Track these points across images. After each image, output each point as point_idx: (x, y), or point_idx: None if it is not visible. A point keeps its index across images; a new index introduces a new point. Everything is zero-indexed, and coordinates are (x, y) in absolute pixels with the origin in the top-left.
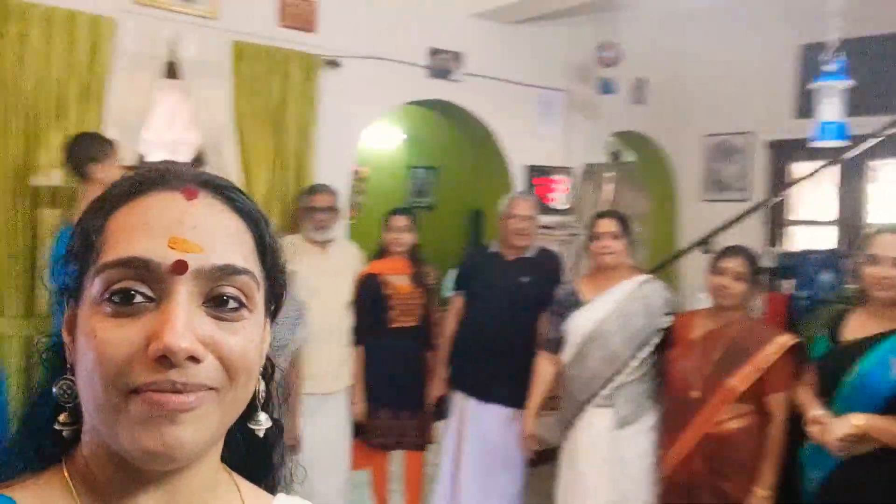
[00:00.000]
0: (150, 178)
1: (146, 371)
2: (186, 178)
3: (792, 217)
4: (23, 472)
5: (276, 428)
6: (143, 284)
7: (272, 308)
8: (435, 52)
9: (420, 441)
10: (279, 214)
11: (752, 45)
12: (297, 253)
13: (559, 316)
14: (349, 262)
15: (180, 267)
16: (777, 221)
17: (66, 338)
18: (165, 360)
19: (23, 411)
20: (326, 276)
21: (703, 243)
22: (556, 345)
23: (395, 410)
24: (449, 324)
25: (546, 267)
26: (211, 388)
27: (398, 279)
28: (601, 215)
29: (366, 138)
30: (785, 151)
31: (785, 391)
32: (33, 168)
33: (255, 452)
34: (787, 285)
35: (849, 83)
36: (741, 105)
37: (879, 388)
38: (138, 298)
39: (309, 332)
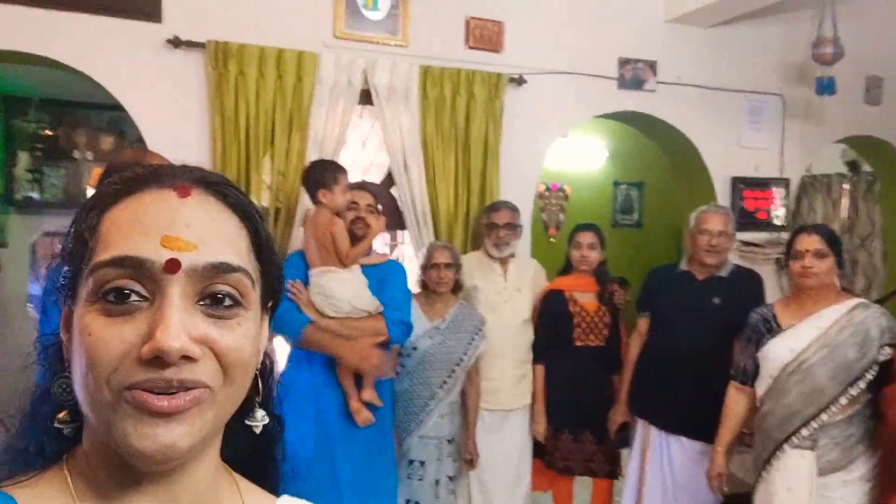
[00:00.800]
0: (142, 177)
1: (140, 370)
2: (179, 175)
3: None
4: (25, 470)
5: (277, 424)
6: (137, 283)
7: (269, 304)
8: (625, 63)
9: (611, 469)
10: (462, 231)
11: None
12: (477, 269)
13: (752, 343)
14: (530, 278)
15: (173, 266)
16: None
17: (63, 336)
18: (159, 360)
19: (23, 410)
20: (506, 291)
21: None
22: (748, 375)
23: (577, 434)
24: (633, 347)
25: (741, 288)
26: (206, 387)
27: (584, 297)
28: (803, 230)
29: (567, 155)
30: None
31: None
32: (247, 190)
33: (255, 449)
34: None
35: None
36: None
37: None
38: (133, 297)
39: (487, 347)
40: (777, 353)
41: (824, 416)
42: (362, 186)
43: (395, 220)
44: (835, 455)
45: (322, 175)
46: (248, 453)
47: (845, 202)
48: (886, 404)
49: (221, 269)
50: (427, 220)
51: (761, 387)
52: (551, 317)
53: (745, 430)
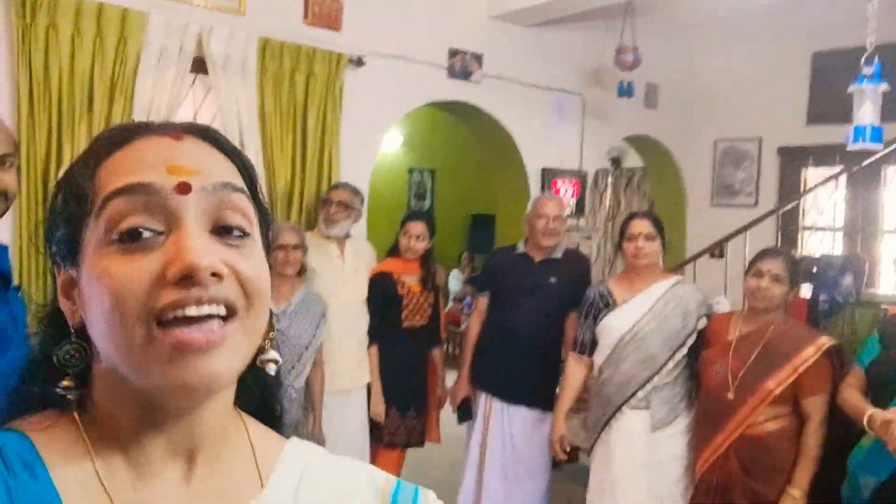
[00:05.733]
0: (132, 128)
1: (168, 292)
2: (169, 125)
3: (803, 223)
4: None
5: (275, 375)
6: (149, 218)
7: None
8: (454, 53)
9: (420, 439)
10: (298, 211)
11: (763, 53)
12: (315, 250)
13: (590, 317)
14: (365, 260)
15: (184, 187)
16: (787, 227)
17: (63, 304)
18: (187, 280)
19: (20, 377)
20: (343, 274)
21: (715, 249)
22: (586, 346)
23: (403, 410)
24: (473, 325)
25: (574, 268)
26: (234, 314)
27: (410, 279)
28: (635, 216)
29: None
30: (796, 157)
31: (822, 394)
32: (60, 162)
33: (264, 397)
34: (804, 289)
35: (885, 86)
36: (751, 111)
37: None
38: (146, 234)
39: (328, 329)
40: (614, 325)
41: (656, 379)
42: None
43: None
44: (664, 412)
45: None
46: (259, 399)
47: (609, 193)
48: (703, 366)
49: (229, 189)
50: (264, 198)
51: (600, 356)
52: (381, 299)
53: (583, 397)
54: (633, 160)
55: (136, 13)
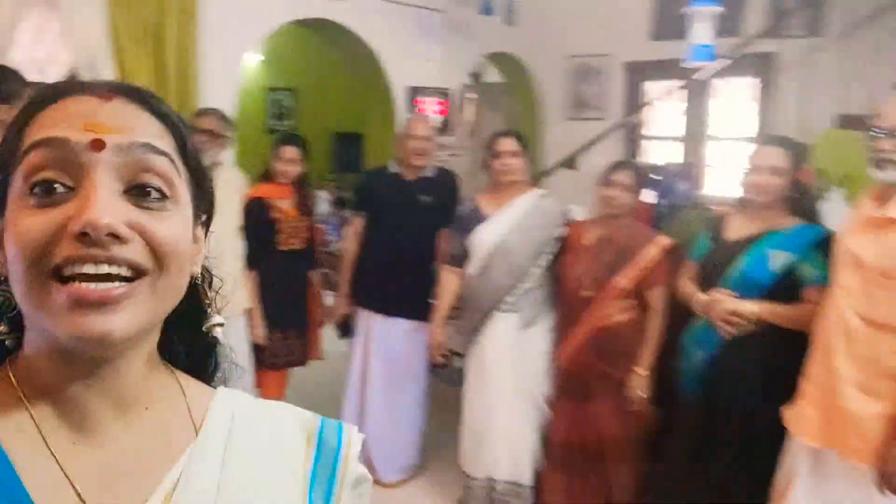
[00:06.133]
0: (64, 86)
1: (66, 247)
2: (101, 85)
3: (646, 133)
4: None
5: (222, 322)
6: (62, 173)
7: (204, 218)
8: None
9: (302, 359)
10: None
11: None
12: None
13: (462, 231)
14: (235, 187)
15: (98, 144)
16: (633, 137)
17: None
18: (87, 237)
19: None
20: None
21: (569, 161)
22: (459, 259)
23: (284, 330)
24: (349, 244)
25: (445, 186)
26: (142, 274)
27: (284, 203)
28: (501, 134)
29: None
30: (640, 72)
31: (663, 286)
32: None
33: (199, 357)
34: (649, 195)
35: (718, 8)
36: (600, 28)
37: (760, 280)
38: (59, 189)
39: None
40: (484, 237)
41: (523, 285)
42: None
43: None
44: (531, 314)
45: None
46: (192, 357)
47: (470, 109)
48: (562, 269)
49: (147, 149)
50: None
51: (472, 267)
52: (255, 224)
53: (456, 305)
54: (491, 76)
55: None
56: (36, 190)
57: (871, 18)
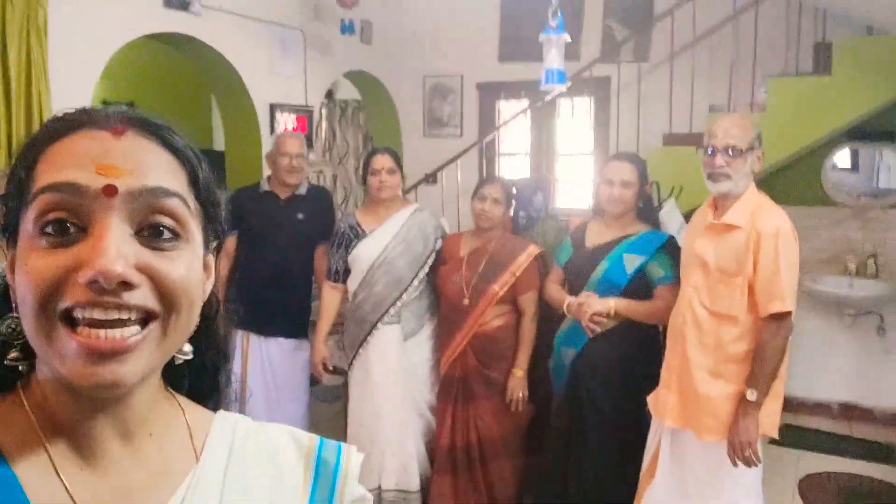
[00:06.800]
0: (77, 118)
1: (76, 292)
2: (113, 117)
3: (501, 150)
4: None
5: (220, 356)
6: (74, 214)
7: (214, 244)
8: None
9: None
10: (7, 157)
11: None
12: None
13: (342, 247)
14: None
15: (110, 189)
16: (488, 154)
17: (9, 278)
18: (96, 284)
19: None
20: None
21: (430, 177)
22: (340, 275)
23: None
24: (223, 265)
25: (319, 202)
26: (153, 319)
27: None
28: (376, 152)
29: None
30: (491, 92)
31: (534, 290)
32: None
33: (201, 383)
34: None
35: (567, 37)
36: (453, 49)
37: (618, 281)
38: (71, 230)
39: None
40: (365, 252)
41: (405, 297)
42: None
43: None
44: (412, 324)
45: None
46: (194, 383)
47: (323, 126)
48: (441, 280)
49: (159, 193)
50: None
51: (353, 282)
52: None
53: (337, 321)
54: (345, 92)
55: None
56: (47, 229)
57: (687, 48)
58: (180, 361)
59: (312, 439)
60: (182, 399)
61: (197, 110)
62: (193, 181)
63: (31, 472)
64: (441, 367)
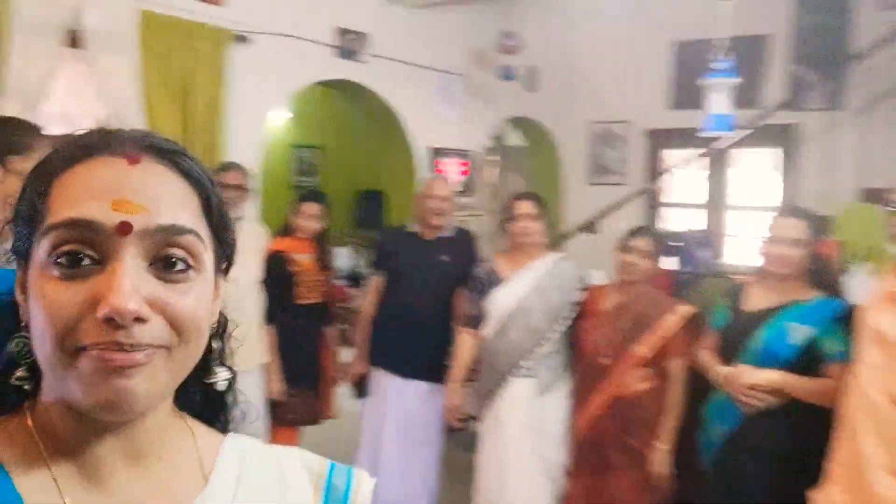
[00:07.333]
0: (92, 143)
1: (93, 331)
2: (129, 142)
3: (667, 200)
4: None
5: (231, 374)
6: (88, 247)
7: (224, 266)
8: (343, 33)
9: (314, 417)
10: None
11: (632, 40)
12: None
13: (479, 293)
14: (257, 241)
15: (125, 227)
16: (653, 204)
17: (19, 297)
18: (112, 321)
19: None
20: (237, 254)
21: (589, 225)
22: (476, 321)
23: (300, 386)
24: (367, 303)
25: (464, 246)
26: (160, 347)
27: (303, 257)
28: (519, 197)
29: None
30: (660, 139)
31: (683, 356)
32: None
33: (210, 402)
34: (669, 262)
35: (737, 80)
36: (620, 95)
37: (780, 353)
38: (85, 261)
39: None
40: (501, 300)
41: (540, 349)
42: None
43: None
44: (548, 379)
45: (12, 136)
46: (203, 403)
47: (492, 171)
48: (580, 335)
49: (173, 231)
50: None
51: (489, 330)
52: (275, 278)
53: (473, 368)
54: (515, 138)
55: None
56: (61, 260)
57: (891, 94)
58: (222, 387)
59: (323, 463)
60: (192, 421)
61: (370, 153)
62: (206, 206)
63: (36, 492)
64: (576, 430)
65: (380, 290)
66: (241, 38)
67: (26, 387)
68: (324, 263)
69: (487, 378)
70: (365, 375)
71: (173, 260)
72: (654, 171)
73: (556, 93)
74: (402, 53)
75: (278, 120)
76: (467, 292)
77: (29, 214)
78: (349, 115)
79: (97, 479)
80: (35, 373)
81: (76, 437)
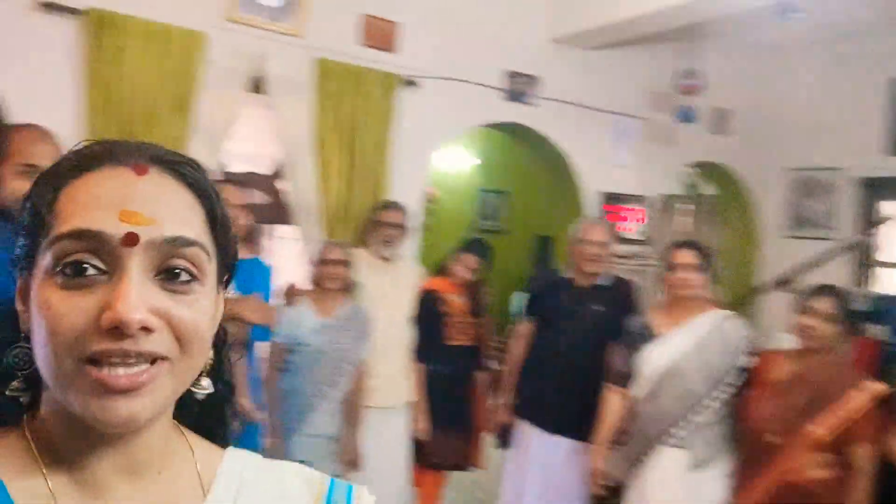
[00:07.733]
0: (100, 154)
1: (99, 340)
2: (136, 153)
3: (881, 258)
4: None
5: (227, 388)
6: (94, 257)
7: (225, 278)
8: (512, 76)
9: (461, 462)
10: (351, 229)
11: (838, 79)
12: (364, 267)
13: (631, 349)
14: (412, 279)
15: (132, 239)
16: (865, 261)
17: (19, 307)
18: (118, 330)
19: None
20: (390, 290)
21: (785, 281)
22: (626, 378)
23: (448, 429)
24: (516, 349)
25: (620, 296)
26: (164, 358)
27: (455, 298)
28: (679, 245)
29: (439, 161)
30: (875, 188)
31: (872, 443)
32: None
33: (208, 416)
34: (878, 331)
35: None
36: (827, 139)
37: None
38: (90, 271)
39: (372, 345)
40: (654, 358)
41: (695, 417)
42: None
43: (277, 215)
44: (704, 453)
45: None
46: (200, 415)
47: (684, 221)
48: (746, 406)
49: (178, 243)
50: (315, 215)
51: (639, 389)
52: (426, 316)
53: (626, 430)
54: (704, 186)
55: (199, 34)
56: (66, 270)
57: None
58: (202, 397)
59: (324, 479)
60: (192, 436)
61: (547, 198)
62: (211, 218)
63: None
64: None
65: (528, 336)
66: (409, 83)
67: (21, 399)
68: (476, 308)
69: (636, 443)
70: (509, 425)
71: (178, 271)
72: (867, 223)
73: (748, 136)
74: (575, 95)
75: (467, 165)
76: (620, 347)
77: (33, 223)
78: (530, 161)
79: (95, 494)
80: (32, 385)
81: (75, 450)
